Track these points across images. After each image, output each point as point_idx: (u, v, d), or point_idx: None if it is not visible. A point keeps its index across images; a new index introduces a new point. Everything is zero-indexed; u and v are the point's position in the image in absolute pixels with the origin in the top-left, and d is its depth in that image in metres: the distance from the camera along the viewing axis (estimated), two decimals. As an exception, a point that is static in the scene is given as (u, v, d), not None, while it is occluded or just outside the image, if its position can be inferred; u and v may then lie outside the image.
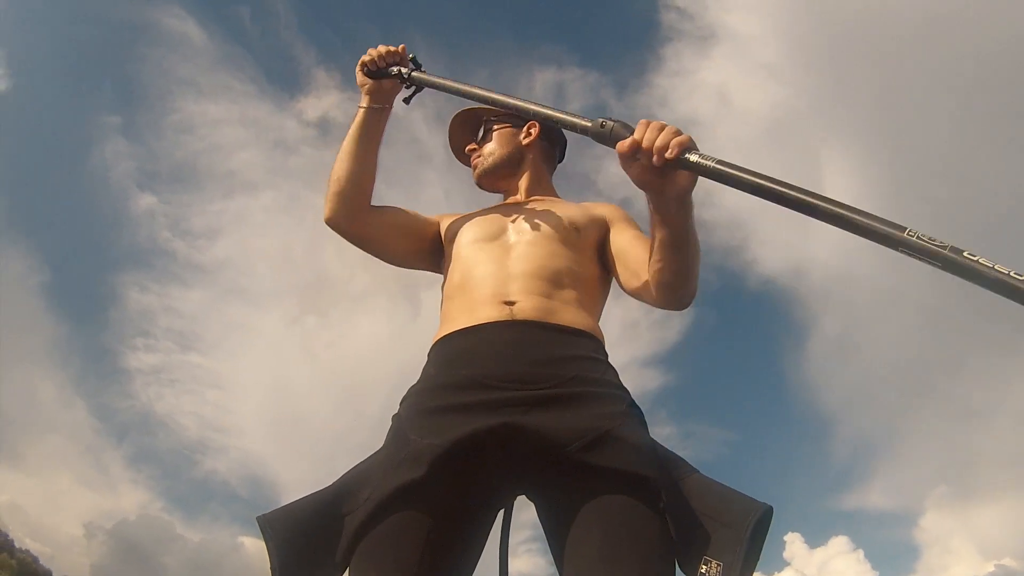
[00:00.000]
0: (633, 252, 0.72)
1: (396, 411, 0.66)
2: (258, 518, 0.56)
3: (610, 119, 0.57)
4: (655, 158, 0.52)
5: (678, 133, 0.53)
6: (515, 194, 0.87)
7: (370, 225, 0.80)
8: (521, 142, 0.88)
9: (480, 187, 0.90)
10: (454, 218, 0.83)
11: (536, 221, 0.76)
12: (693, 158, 0.51)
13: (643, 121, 0.55)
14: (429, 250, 0.83)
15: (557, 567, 0.57)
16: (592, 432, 0.56)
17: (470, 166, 0.91)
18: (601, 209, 0.81)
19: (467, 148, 0.90)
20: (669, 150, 0.52)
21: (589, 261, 0.75)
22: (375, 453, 0.62)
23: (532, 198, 0.85)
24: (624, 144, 0.54)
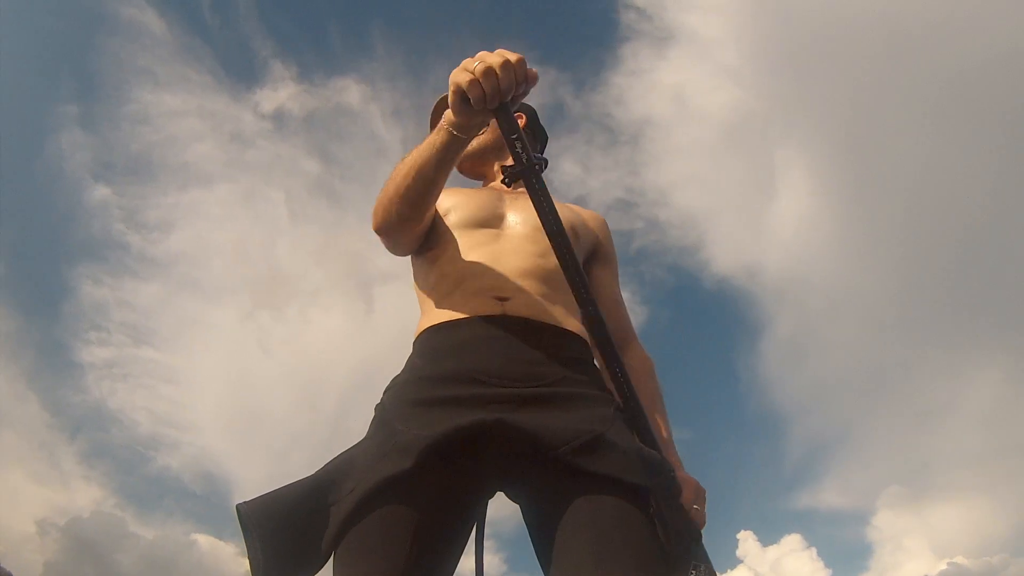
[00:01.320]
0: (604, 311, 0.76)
1: (379, 400, 0.64)
2: (238, 506, 0.53)
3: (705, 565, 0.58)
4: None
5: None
6: (497, 181, 0.85)
7: (417, 238, 0.74)
8: None
9: (460, 171, 0.88)
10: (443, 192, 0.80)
11: (532, 215, 0.74)
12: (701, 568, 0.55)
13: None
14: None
15: (543, 568, 0.56)
16: (584, 435, 0.55)
17: None
18: (592, 222, 0.82)
19: None
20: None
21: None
22: (359, 442, 0.60)
23: (521, 189, 0.83)
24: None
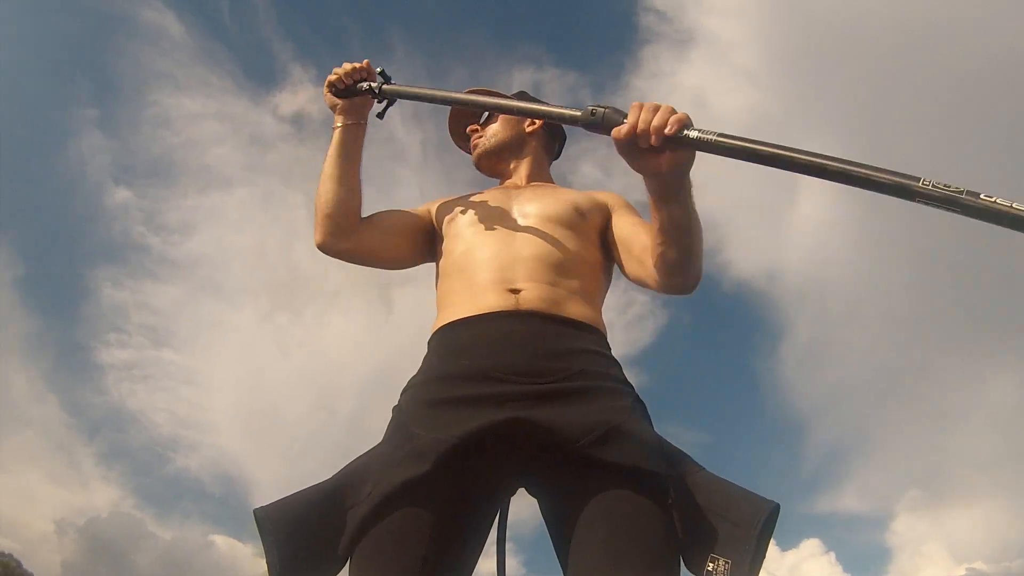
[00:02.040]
0: (636, 238, 0.71)
1: (396, 402, 0.63)
2: (255, 511, 0.53)
3: (600, 106, 0.55)
4: (653, 139, 0.50)
5: (673, 111, 0.51)
6: (514, 179, 0.86)
7: (363, 240, 0.76)
8: (524, 128, 0.88)
9: (479, 169, 0.89)
10: (448, 200, 0.81)
11: (541, 205, 0.75)
12: (692, 134, 0.50)
13: (636, 103, 0.52)
14: (425, 242, 0.80)
15: (560, 562, 0.56)
16: (601, 427, 0.55)
17: (468, 150, 0.90)
18: (602, 196, 0.81)
19: (469, 128, 0.89)
20: (668, 127, 0.50)
21: (594, 247, 0.74)
22: (377, 445, 0.60)
23: (532, 183, 0.84)
24: (621, 131, 0.52)
